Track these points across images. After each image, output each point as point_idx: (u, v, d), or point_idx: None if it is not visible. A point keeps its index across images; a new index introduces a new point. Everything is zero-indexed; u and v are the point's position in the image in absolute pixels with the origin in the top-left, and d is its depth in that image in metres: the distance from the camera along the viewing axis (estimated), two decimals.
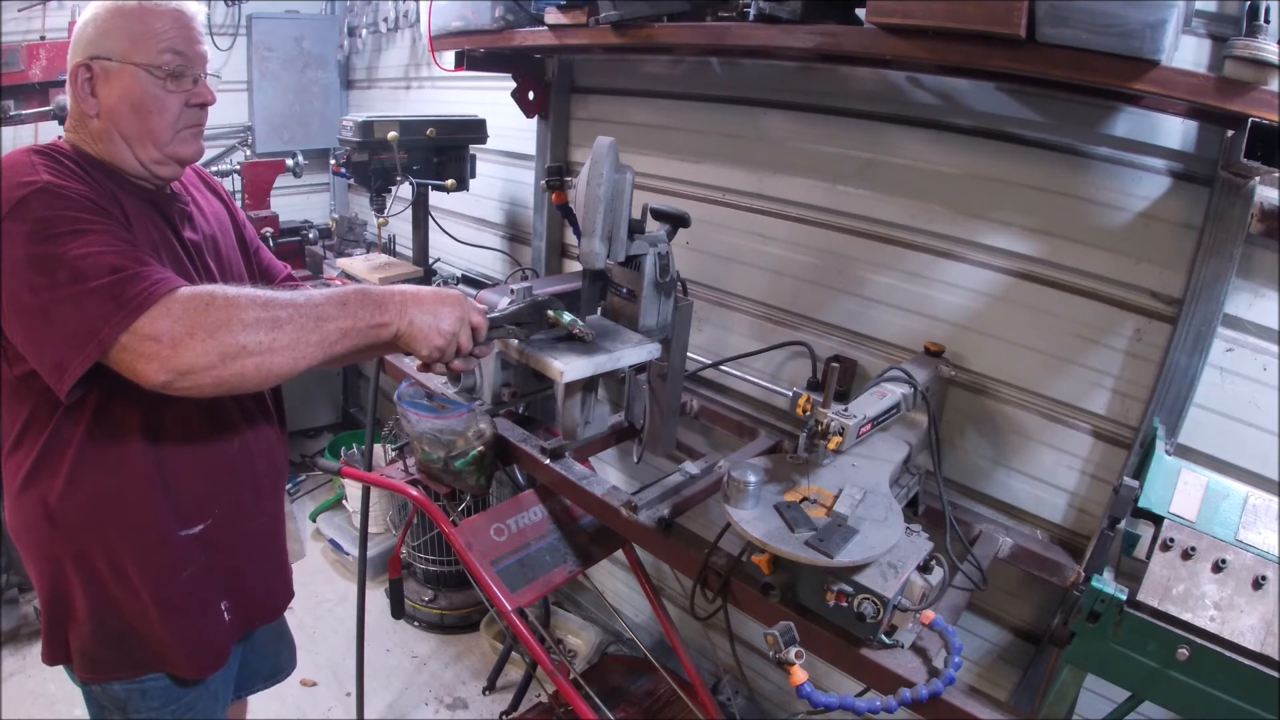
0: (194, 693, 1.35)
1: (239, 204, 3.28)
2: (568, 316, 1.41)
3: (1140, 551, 1.15)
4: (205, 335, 0.97)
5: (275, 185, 3.42)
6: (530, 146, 2.73)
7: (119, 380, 1.01)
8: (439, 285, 2.73)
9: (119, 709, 1.30)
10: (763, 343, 2.09)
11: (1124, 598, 1.06)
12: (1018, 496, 1.73)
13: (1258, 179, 1.31)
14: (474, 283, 3.03)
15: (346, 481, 3.31)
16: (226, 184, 3.33)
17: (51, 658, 1.30)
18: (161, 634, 1.27)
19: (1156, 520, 1.13)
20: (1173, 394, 1.45)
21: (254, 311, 1.00)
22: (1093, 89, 1.34)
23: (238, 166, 3.35)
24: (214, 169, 3.34)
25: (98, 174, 1.14)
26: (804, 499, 1.28)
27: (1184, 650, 1.03)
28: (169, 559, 1.26)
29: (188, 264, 1.24)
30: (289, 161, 3.29)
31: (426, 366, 1.25)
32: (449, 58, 2.49)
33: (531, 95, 2.52)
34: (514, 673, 2.70)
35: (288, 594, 1.60)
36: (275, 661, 1.71)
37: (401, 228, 2.95)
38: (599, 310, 1.81)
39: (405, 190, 2.52)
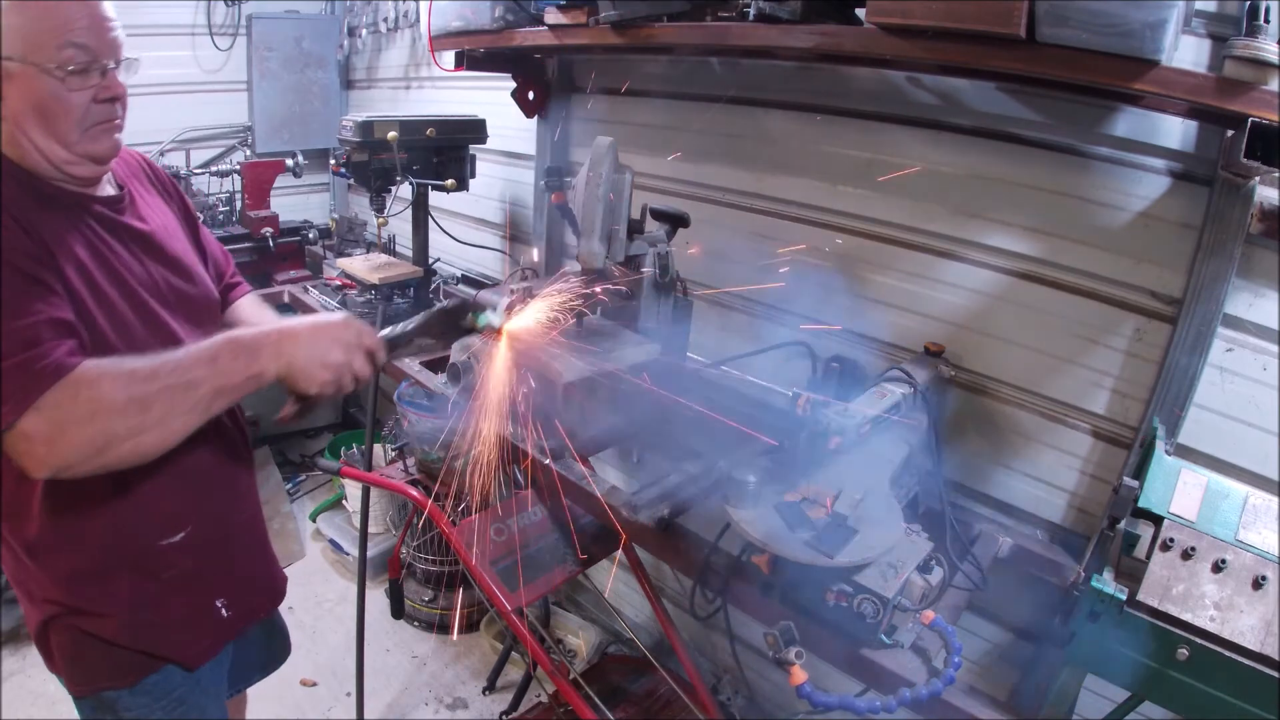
0: (184, 687, 1.34)
1: (238, 203, 3.29)
2: (484, 319, 1.34)
3: (1140, 551, 1.15)
4: (76, 429, 0.98)
5: (275, 185, 3.42)
6: (530, 146, 2.73)
7: None
8: (436, 291, 2.73)
9: (109, 710, 1.30)
10: (763, 343, 2.09)
11: (1124, 598, 1.06)
12: (1018, 496, 1.73)
13: (1258, 179, 1.31)
14: (474, 283, 3.03)
15: (346, 481, 3.31)
16: (226, 184, 3.36)
17: (51, 667, 1.31)
18: (147, 635, 1.28)
19: (1156, 520, 1.13)
20: (1173, 394, 1.45)
21: (120, 391, 0.99)
22: (1093, 89, 1.34)
23: (238, 166, 3.35)
24: (214, 169, 3.34)
25: (11, 183, 1.08)
26: (804, 499, 1.28)
27: (1184, 650, 1.03)
28: (150, 565, 1.26)
29: (120, 268, 1.19)
30: (289, 161, 3.29)
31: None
32: (449, 58, 2.48)
33: (531, 95, 2.52)
34: (514, 673, 2.70)
35: (282, 582, 1.60)
36: (269, 651, 1.70)
37: (401, 228, 2.95)
38: (598, 310, 1.81)
39: (405, 190, 2.52)
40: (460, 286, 2.99)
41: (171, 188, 1.43)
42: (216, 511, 1.35)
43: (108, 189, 1.25)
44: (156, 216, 1.32)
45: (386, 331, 1.25)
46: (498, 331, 1.36)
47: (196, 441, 1.26)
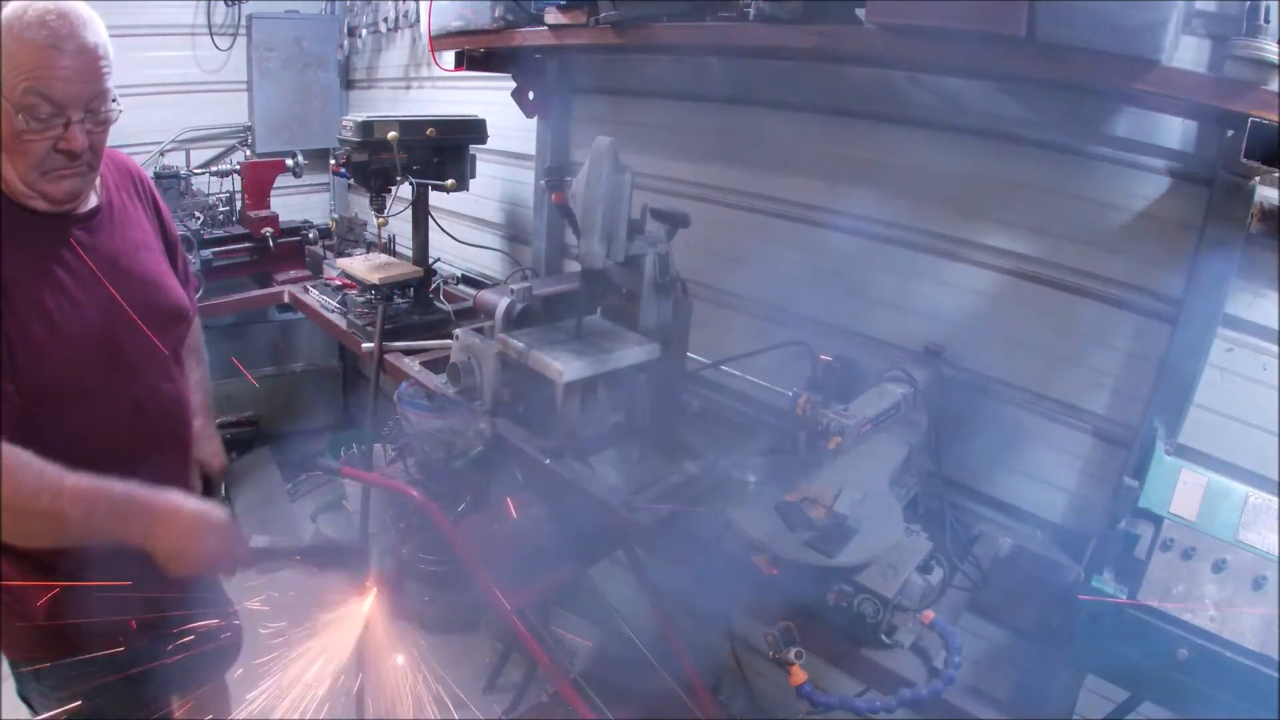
0: (108, 674, 1.33)
1: (238, 203, 3.29)
2: (358, 578, 1.29)
3: (1140, 551, 1.15)
4: None
5: (275, 185, 3.42)
6: (530, 146, 2.73)
7: None
8: (437, 291, 2.72)
9: (34, 679, 1.31)
10: (763, 343, 2.09)
11: (1124, 598, 1.06)
12: (1018, 496, 1.73)
13: (1258, 179, 1.31)
14: (474, 283, 3.03)
15: (346, 481, 3.31)
16: (226, 184, 3.36)
17: None
18: (65, 625, 1.27)
19: (1156, 520, 1.13)
20: (1173, 394, 1.45)
21: (3, 495, 1.00)
22: (1093, 89, 1.34)
23: (238, 166, 3.35)
24: (214, 169, 3.34)
25: None
26: (804, 499, 1.28)
27: (1184, 650, 1.03)
28: (75, 574, 1.24)
29: (83, 293, 1.18)
30: (289, 161, 3.29)
31: None
32: (449, 58, 2.48)
33: (531, 95, 2.52)
34: (514, 673, 2.70)
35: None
36: (225, 646, 1.65)
37: (401, 228, 2.95)
38: (598, 310, 1.82)
39: (405, 190, 2.52)
40: (460, 286, 2.99)
41: (155, 201, 1.42)
42: None
43: (92, 199, 1.24)
44: (134, 232, 1.31)
45: (262, 542, 1.23)
46: (366, 589, 1.32)
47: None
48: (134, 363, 1.26)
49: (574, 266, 2.47)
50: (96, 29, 1.10)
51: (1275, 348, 1.37)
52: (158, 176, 3.12)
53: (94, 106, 1.11)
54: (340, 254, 3.06)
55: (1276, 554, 1.07)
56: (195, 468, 1.53)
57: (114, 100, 1.15)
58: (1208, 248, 1.38)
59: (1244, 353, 1.40)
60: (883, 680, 1.20)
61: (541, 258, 2.74)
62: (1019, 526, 1.70)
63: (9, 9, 1.05)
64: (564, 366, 1.48)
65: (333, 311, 2.71)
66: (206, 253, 2.90)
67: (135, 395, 1.28)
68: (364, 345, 2.35)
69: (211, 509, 1.16)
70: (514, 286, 1.80)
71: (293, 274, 3.20)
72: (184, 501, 1.14)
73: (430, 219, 2.64)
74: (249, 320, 3.65)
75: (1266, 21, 1.16)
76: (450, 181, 2.47)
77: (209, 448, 1.60)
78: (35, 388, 1.11)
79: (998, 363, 1.72)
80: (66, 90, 1.06)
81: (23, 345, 1.10)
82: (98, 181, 1.25)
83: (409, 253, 2.76)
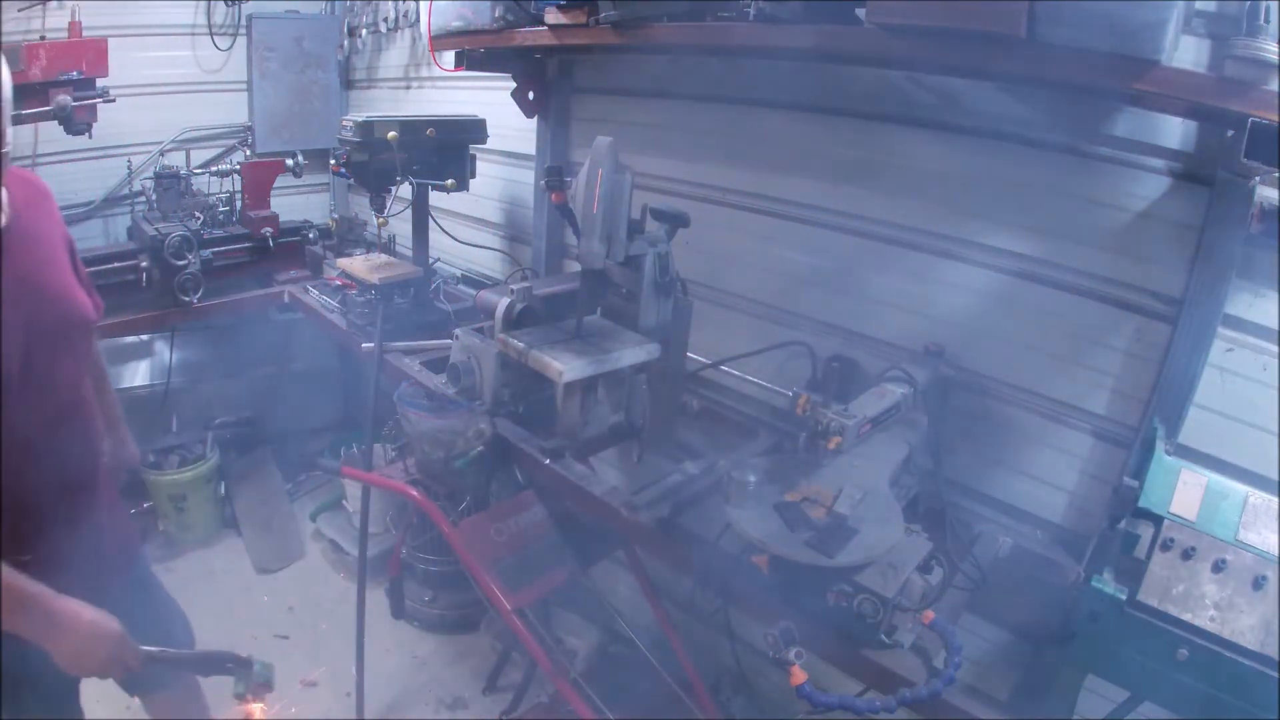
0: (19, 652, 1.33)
1: (238, 203, 3.30)
2: (243, 686, 1.36)
3: (1140, 551, 1.15)
4: None
5: (275, 185, 3.42)
6: (530, 146, 2.73)
7: None
8: (436, 291, 2.72)
9: None
10: (763, 343, 2.09)
11: (1124, 598, 1.06)
12: (1018, 496, 1.73)
13: (1258, 179, 1.31)
14: (474, 283, 3.03)
15: (346, 481, 3.31)
16: (226, 184, 3.36)
17: None
18: None
19: (1156, 520, 1.13)
20: (1173, 394, 1.45)
21: None
22: (1093, 89, 1.34)
23: (238, 166, 3.34)
24: (214, 169, 3.34)
25: None
26: (804, 499, 1.28)
27: (1184, 650, 1.03)
28: None
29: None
30: (289, 161, 3.28)
31: None
32: (449, 58, 2.48)
33: (531, 95, 2.52)
34: (514, 673, 2.70)
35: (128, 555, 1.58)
36: (166, 641, 1.67)
37: (401, 228, 2.95)
38: (598, 310, 1.82)
39: (405, 190, 2.52)
40: (460, 286, 2.99)
41: (54, 212, 1.41)
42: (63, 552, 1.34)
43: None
44: (41, 247, 1.31)
45: (152, 649, 1.30)
46: (246, 702, 1.38)
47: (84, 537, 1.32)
48: (46, 377, 1.26)
49: (574, 266, 2.46)
50: None
51: (1275, 348, 1.37)
52: (158, 176, 3.12)
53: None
54: (340, 254, 3.06)
55: (1276, 554, 1.07)
56: (112, 474, 1.54)
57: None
58: (1208, 248, 1.38)
59: (1244, 353, 1.40)
60: (883, 680, 1.20)
61: (541, 258, 2.74)
62: (1019, 526, 1.70)
63: None
64: (564, 366, 1.48)
65: (333, 311, 2.71)
66: (206, 253, 2.89)
67: (49, 409, 1.28)
68: (364, 345, 2.36)
69: (106, 619, 1.24)
70: (514, 286, 1.80)
71: (293, 274, 3.20)
72: (81, 610, 1.21)
73: (430, 219, 2.64)
74: (249, 320, 3.65)
75: (1266, 21, 1.16)
76: (450, 181, 2.47)
77: (127, 451, 1.67)
78: None
79: (998, 363, 1.72)
80: None
81: None
82: (5, 200, 1.24)
83: (409, 253, 2.77)
